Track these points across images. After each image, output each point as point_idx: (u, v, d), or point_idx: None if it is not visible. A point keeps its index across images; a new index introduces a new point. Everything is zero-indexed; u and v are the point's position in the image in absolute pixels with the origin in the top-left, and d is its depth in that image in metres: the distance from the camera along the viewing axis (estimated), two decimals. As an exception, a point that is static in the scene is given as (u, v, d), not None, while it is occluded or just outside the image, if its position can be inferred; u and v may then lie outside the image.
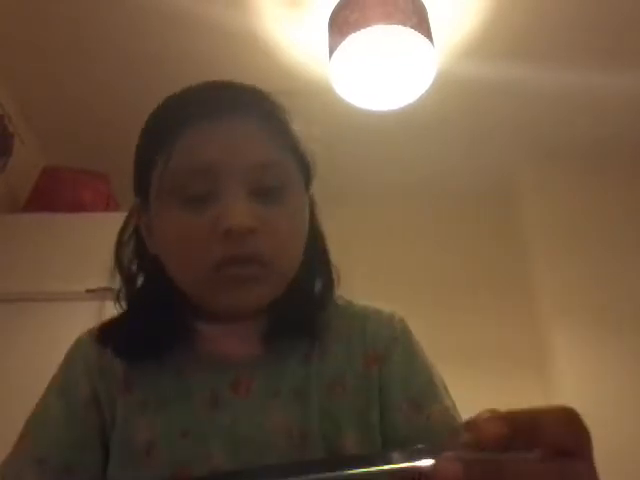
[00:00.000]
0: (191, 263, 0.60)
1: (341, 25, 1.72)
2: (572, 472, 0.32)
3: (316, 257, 0.68)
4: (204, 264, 0.59)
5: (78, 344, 0.70)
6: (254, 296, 0.61)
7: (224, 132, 0.60)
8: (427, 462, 0.33)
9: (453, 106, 2.26)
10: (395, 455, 0.35)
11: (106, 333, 0.66)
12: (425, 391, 0.65)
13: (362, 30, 1.65)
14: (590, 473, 0.34)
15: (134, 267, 0.68)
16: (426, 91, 1.85)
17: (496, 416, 0.32)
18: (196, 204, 0.59)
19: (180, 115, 0.61)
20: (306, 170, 0.66)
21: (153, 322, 0.65)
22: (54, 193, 2.14)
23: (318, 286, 0.69)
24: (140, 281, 0.69)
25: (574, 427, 0.33)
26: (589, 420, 0.35)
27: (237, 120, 0.60)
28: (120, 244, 0.68)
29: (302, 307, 0.66)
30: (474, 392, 1.22)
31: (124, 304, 0.68)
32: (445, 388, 0.67)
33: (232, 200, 0.58)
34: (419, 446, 0.34)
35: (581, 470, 0.33)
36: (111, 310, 0.68)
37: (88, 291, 1.71)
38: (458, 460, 0.31)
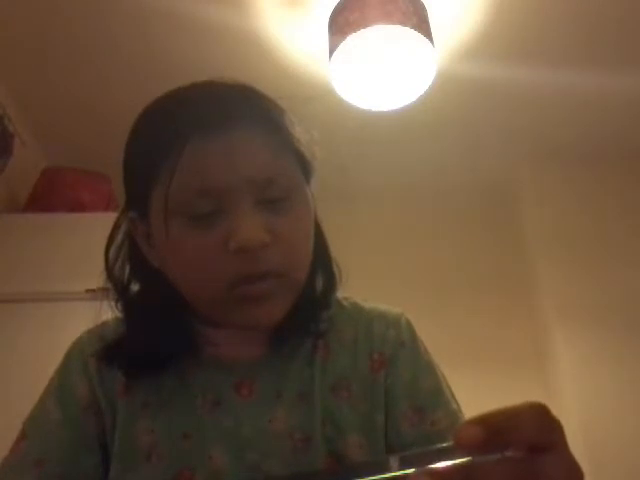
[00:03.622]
0: (205, 284, 0.58)
1: (341, 25, 1.72)
2: (543, 466, 0.34)
3: (317, 255, 0.66)
4: (218, 284, 0.57)
5: (76, 344, 0.70)
6: (272, 313, 0.59)
7: (229, 147, 0.57)
8: (402, 473, 0.34)
9: (453, 106, 2.26)
10: (368, 465, 0.36)
11: (109, 353, 0.65)
12: (431, 397, 0.65)
13: (362, 30, 1.65)
14: (562, 462, 0.35)
15: (127, 274, 0.66)
16: (426, 91, 1.85)
17: (473, 422, 0.33)
18: (204, 222, 0.57)
19: (181, 127, 0.57)
20: (307, 168, 0.65)
21: (155, 334, 0.63)
22: (54, 193, 2.14)
23: (320, 284, 0.68)
24: (136, 286, 0.67)
25: (546, 423, 0.35)
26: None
27: (240, 131, 0.57)
28: (109, 253, 0.66)
29: (305, 307, 0.65)
30: (474, 392, 1.22)
31: (120, 308, 0.66)
32: (451, 392, 0.66)
33: (241, 216, 0.56)
34: (406, 453, 0.35)
35: (552, 463, 0.34)
36: (111, 310, 0.68)
37: (88, 291, 1.70)
38: (429, 474, 0.32)
